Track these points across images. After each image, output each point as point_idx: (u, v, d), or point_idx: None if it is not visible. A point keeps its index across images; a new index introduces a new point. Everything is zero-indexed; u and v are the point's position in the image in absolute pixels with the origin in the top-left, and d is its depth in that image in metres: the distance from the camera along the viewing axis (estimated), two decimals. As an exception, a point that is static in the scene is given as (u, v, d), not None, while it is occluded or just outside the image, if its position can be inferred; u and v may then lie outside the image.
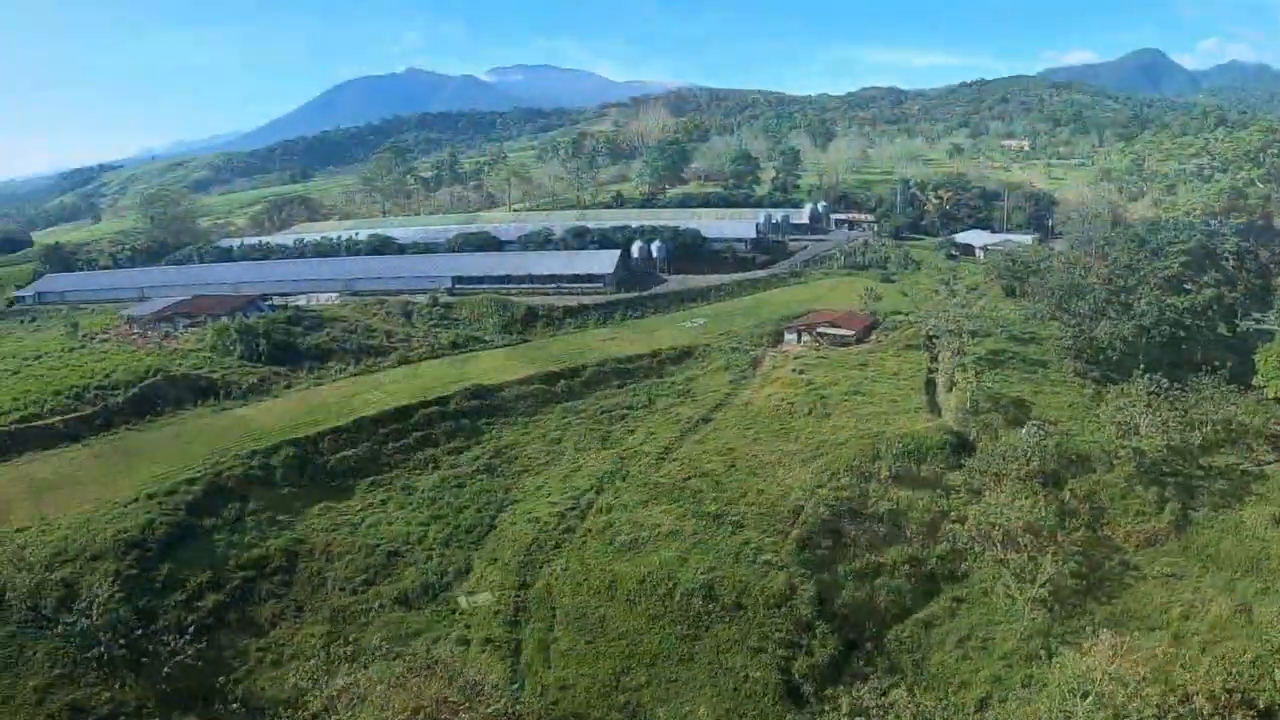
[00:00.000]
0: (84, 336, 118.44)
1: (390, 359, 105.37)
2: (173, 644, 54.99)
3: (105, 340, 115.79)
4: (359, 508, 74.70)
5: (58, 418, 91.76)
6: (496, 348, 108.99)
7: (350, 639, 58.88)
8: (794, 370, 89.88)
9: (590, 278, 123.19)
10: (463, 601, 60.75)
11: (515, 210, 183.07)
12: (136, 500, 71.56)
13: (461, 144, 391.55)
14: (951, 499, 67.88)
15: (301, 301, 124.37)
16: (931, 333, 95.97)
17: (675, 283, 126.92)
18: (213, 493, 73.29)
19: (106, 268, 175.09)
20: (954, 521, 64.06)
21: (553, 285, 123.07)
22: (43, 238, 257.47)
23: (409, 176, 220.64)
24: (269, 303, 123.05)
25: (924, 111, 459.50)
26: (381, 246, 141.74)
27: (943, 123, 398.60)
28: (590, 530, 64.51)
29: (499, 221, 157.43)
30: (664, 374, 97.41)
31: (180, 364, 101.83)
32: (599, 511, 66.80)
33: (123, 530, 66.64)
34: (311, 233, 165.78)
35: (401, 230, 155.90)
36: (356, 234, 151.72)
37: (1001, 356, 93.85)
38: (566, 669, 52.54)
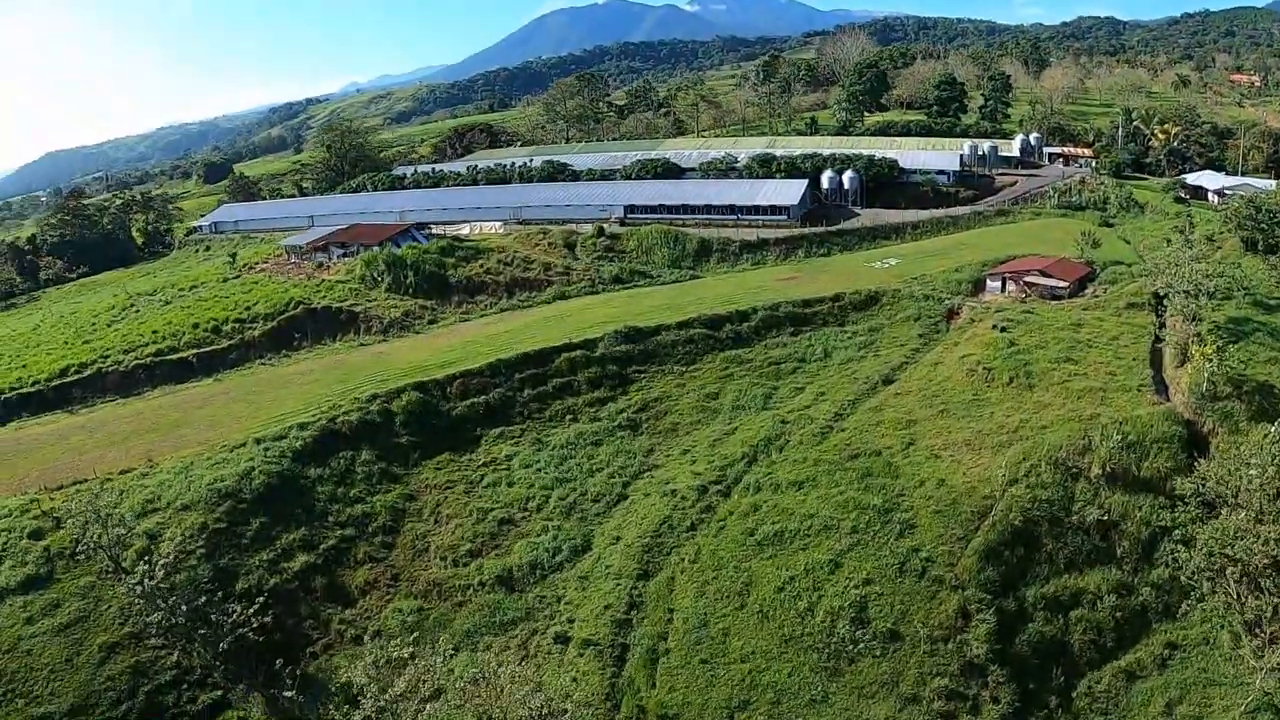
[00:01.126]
0: (242, 267, 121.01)
1: (545, 294, 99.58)
2: (237, 613, 50.79)
3: (260, 271, 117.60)
4: (480, 462, 68.90)
5: (192, 351, 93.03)
6: (663, 284, 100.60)
7: (439, 619, 53.24)
8: (995, 326, 74.73)
9: (773, 209, 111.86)
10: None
11: (703, 137, 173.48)
12: (244, 445, 69.15)
13: (662, 73, 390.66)
14: (1177, 512, 51.56)
15: (465, 230, 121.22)
16: (1160, 290, 77.14)
17: (867, 217, 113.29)
18: (324, 439, 69.59)
19: (292, 196, 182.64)
20: (1178, 542, 48.41)
21: (731, 217, 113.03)
22: (244, 168, 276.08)
23: (601, 104, 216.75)
24: (426, 231, 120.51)
25: (1143, 43, 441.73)
26: (555, 173, 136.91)
27: (1164, 54, 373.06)
28: (731, 513, 54.47)
29: (683, 148, 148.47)
30: (845, 322, 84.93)
31: (325, 296, 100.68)
32: (746, 490, 56.57)
33: (219, 479, 63.98)
34: (487, 159, 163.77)
35: (579, 157, 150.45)
36: (531, 160, 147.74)
37: (1245, 327, 73.65)
38: (673, 693, 43.30)
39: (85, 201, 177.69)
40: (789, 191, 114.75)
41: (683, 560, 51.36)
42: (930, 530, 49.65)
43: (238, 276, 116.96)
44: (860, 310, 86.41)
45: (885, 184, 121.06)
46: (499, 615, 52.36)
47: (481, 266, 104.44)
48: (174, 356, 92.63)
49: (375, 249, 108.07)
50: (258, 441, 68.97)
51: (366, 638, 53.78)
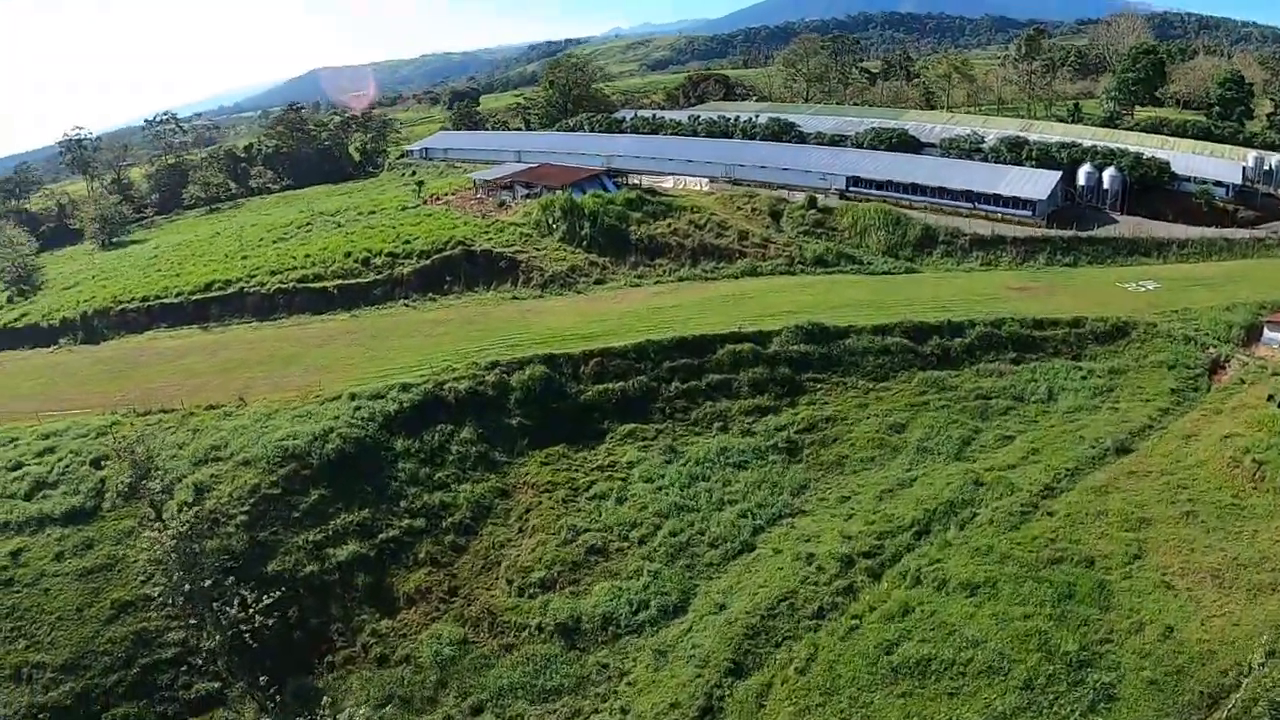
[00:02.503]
0: (430, 196, 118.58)
1: (734, 266, 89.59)
2: (243, 603, 45.07)
3: (442, 203, 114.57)
4: (596, 464, 60.42)
5: (337, 282, 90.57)
6: (872, 273, 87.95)
7: (477, 661, 45.06)
8: (1273, 398, 56.22)
9: (1016, 202, 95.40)
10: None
11: (951, 112, 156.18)
12: (337, 398, 64.30)
13: (925, 46, 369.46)
14: None
15: (668, 184, 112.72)
16: None
17: (1126, 226, 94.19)
18: (425, 407, 63.54)
19: (518, 130, 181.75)
20: None
21: (967, 204, 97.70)
22: (490, 100, 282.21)
23: (853, 69, 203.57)
24: (621, 180, 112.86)
25: None
26: (780, 132, 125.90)
27: None
28: (873, 608, 42.15)
29: (926, 121, 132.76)
30: (1081, 355, 68.56)
31: (492, 238, 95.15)
32: (901, 579, 43.92)
33: (292, 436, 59.25)
34: (713, 111, 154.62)
35: (810, 119, 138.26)
36: (756, 117, 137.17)
37: None
38: None
39: (306, 116, 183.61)
40: (1037, 183, 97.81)
41: (790, 663, 39.88)
42: (1137, 710, 35.05)
43: (417, 206, 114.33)
44: (1102, 343, 69.73)
45: (1151, 189, 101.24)
46: (545, 677, 43.70)
47: (669, 226, 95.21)
48: (317, 285, 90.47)
49: (558, 192, 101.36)
50: (352, 398, 63.95)
51: (393, 661, 47.08)
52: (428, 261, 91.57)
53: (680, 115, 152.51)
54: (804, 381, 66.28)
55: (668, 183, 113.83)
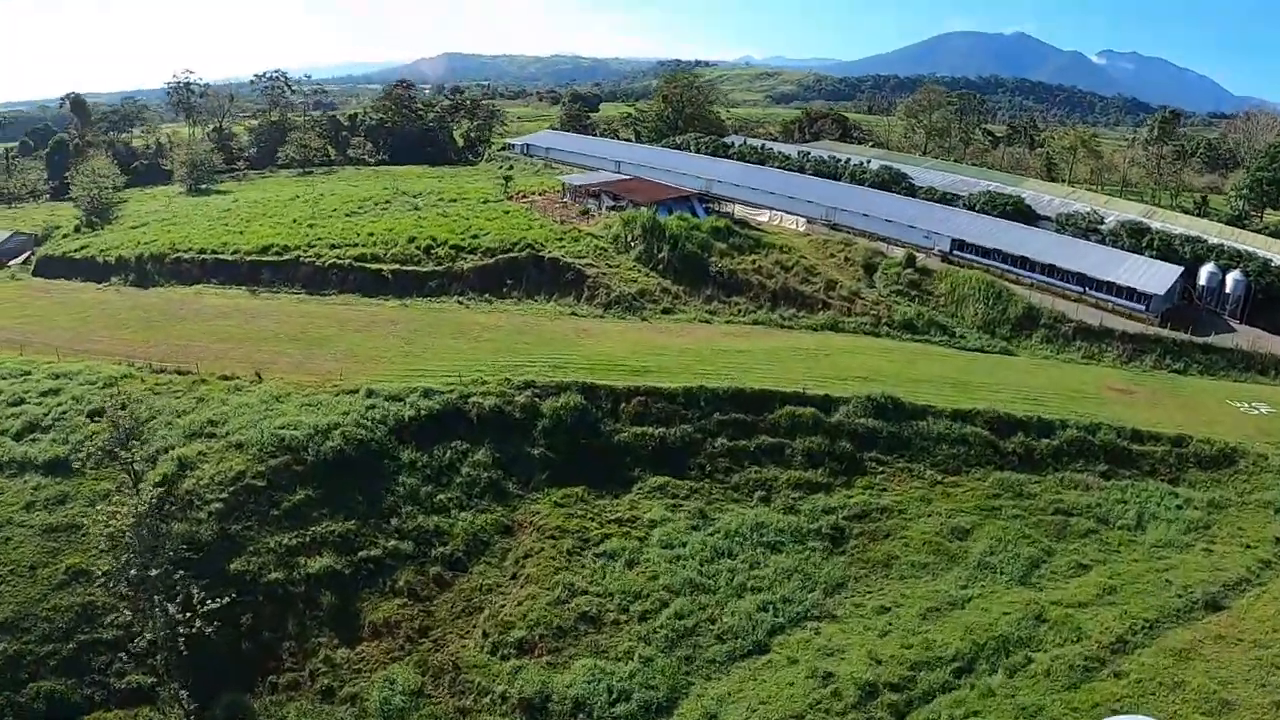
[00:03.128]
0: (516, 193, 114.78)
1: (816, 317, 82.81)
2: (189, 602, 40.44)
3: (527, 201, 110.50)
4: (615, 516, 54.47)
5: (394, 266, 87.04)
6: (963, 348, 80.00)
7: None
8: None
9: (1130, 293, 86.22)
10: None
11: (1072, 186, 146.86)
12: (355, 391, 59.88)
13: (1053, 118, 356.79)
14: None
15: (763, 217, 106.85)
16: None
17: (1244, 337, 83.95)
18: (444, 418, 58.71)
19: (626, 140, 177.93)
20: None
21: (1076, 287, 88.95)
22: (609, 108, 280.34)
23: (976, 129, 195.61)
24: (713, 206, 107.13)
25: None
26: (889, 181, 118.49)
27: None
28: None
29: (1044, 192, 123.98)
30: (1179, 479, 59.88)
31: (564, 246, 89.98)
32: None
33: (292, 425, 54.91)
34: (824, 150, 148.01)
35: (924, 172, 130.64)
36: (868, 162, 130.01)
37: None
38: None
39: (415, 95, 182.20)
40: (1156, 275, 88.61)
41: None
42: None
43: (499, 201, 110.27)
44: (1204, 469, 60.98)
45: (1276, 299, 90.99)
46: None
47: (753, 262, 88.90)
48: (374, 266, 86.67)
49: (643, 209, 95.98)
50: (369, 394, 59.48)
51: (340, 697, 41.83)
52: (491, 260, 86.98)
53: (790, 149, 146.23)
54: (865, 460, 59.36)
55: (763, 216, 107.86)
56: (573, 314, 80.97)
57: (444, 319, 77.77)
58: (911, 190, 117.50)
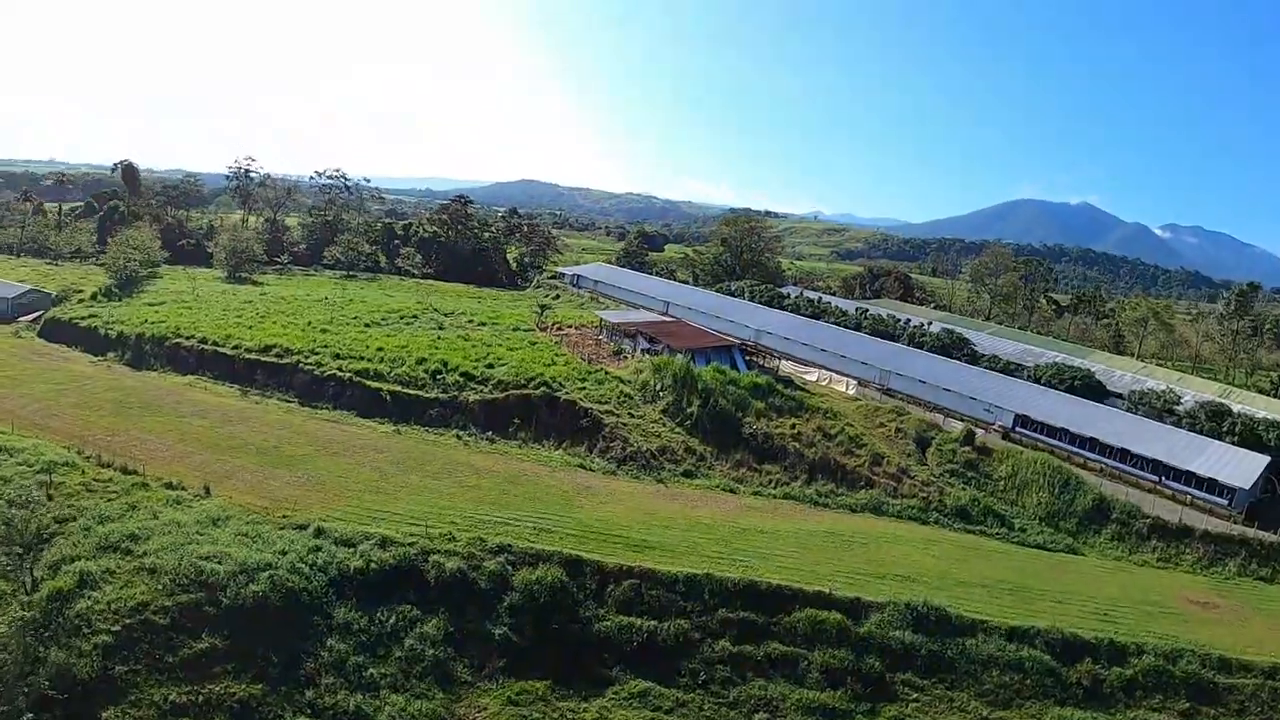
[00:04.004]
0: (551, 324, 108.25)
1: (856, 496, 72.98)
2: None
3: (560, 334, 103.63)
4: (577, 727, 43.97)
5: (396, 387, 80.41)
6: (1023, 544, 69.42)
7: None
8: None
9: (1212, 485, 75.01)
10: None
11: (1143, 361, 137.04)
12: (305, 527, 52.09)
13: (1117, 290, 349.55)
14: None
15: (811, 376, 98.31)
16: None
17: None
18: (396, 574, 50.37)
19: (684, 282, 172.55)
20: None
21: (1151, 476, 78.07)
22: (673, 249, 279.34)
23: (1041, 296, 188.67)
24: (756, 359, 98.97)
25: None
26: (950, 345, 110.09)
27: None
28: None
29: (1115, 367, 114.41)
30: (1275, 717, 48.78)
31: (585, 390, 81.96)
32: None
33: (215, 558, 47.37)
34: (884, 309, 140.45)
35: (987, 339, 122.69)
36: (928, 324, 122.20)
37: None
38: None
39: (472, 213, 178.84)
40: (1241, 465, 77.31)
41: None
42: None
43: (529, 330, 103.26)
44: None
45: None
46: None
47: (792, 427, 79.81)
48: (374, 384, 79.41)
49: (678, 356, 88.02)
50: (318, 533, 51.04)
51: None
52: (502, 395, 79.00)
53: (848, 305, 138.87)
54: (896, 684, 48.99)
55: (811, 375, 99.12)
56: (581, 466, 71.93)
57: (434, 454, 69.27)
58: (974, 357, 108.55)
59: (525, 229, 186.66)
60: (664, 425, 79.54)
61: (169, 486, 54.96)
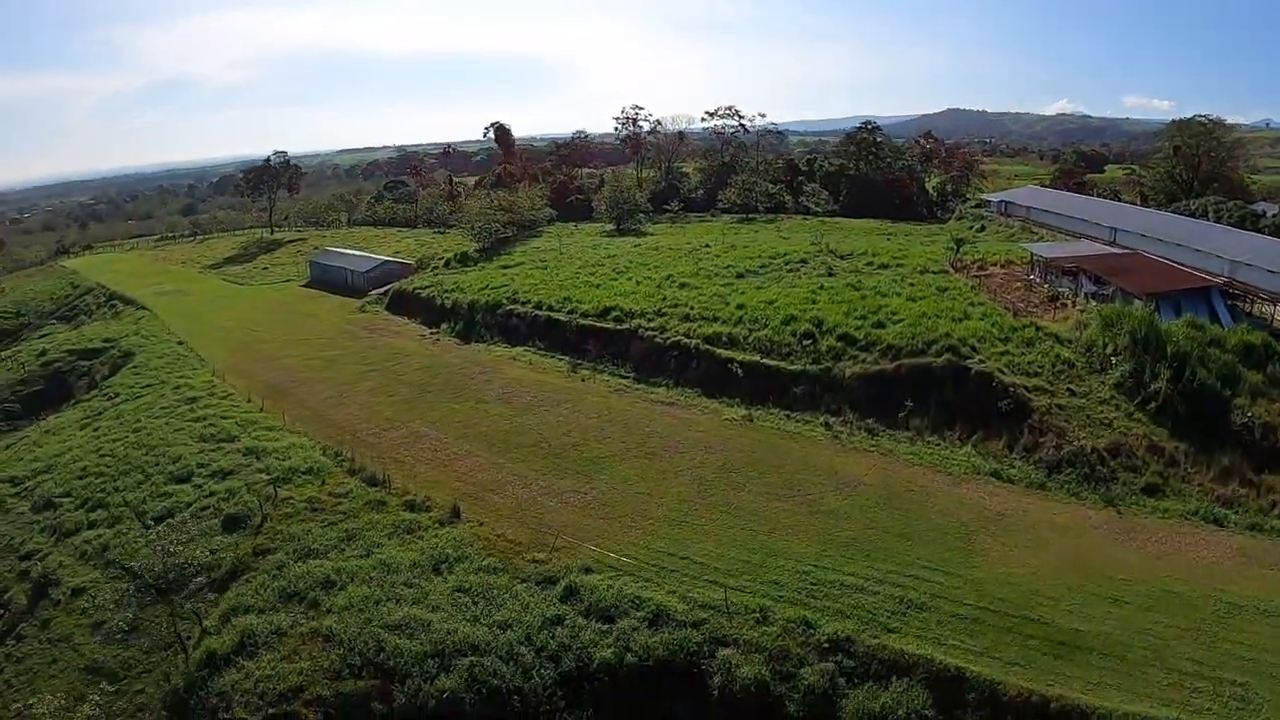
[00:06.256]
0: (970, 263, 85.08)
1: None
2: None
3: (980, 275, 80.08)
4: None
5: (753, 355, 63.23)
6: None
7: None
8: None
9: None
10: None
11: None
12: (555, 582, 35.92)
13: None
14: None
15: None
16: None
17: None
18: (662, 674, 32.57)
19: (1129, 202, 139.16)
20: None
21: None
22: (1113, 170, 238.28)
23: None
24: (1237, 303, 68.50)
25: None
26: None
27: None
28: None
29: None
30: None
31: (1009, 354, 58.30)
32: None
33: (414, 624, 32.47)
34: None
35: None
36: None
37: None
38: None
39: (882, 141, 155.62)
40: None
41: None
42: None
43: (941, 272, 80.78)
44: None
45: None
46: None
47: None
48: (724, 352, 62.71)
49: (1136, 303, 61.52)
50: (569, 594, 36.25)
51: None
52: (891, 365, 57.95)
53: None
54: None
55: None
56: (994, 474, 48.70)
57: (786, 453, 50.24)
58: None
59: (943, 154, 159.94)
60: (1117, 409, 53.67)
61: (410, 507, 42.16)
